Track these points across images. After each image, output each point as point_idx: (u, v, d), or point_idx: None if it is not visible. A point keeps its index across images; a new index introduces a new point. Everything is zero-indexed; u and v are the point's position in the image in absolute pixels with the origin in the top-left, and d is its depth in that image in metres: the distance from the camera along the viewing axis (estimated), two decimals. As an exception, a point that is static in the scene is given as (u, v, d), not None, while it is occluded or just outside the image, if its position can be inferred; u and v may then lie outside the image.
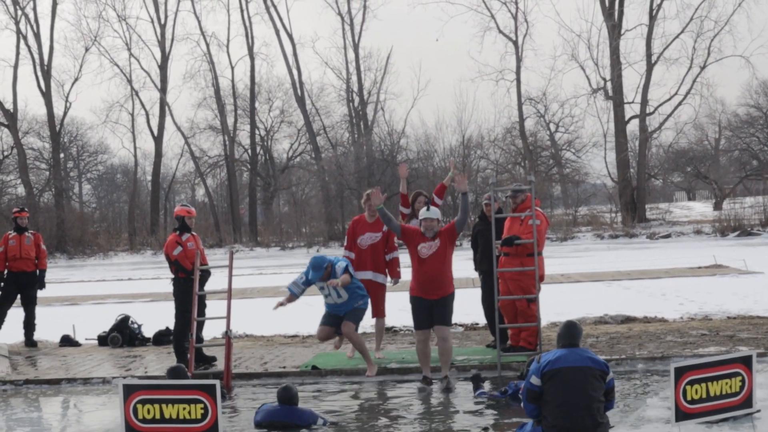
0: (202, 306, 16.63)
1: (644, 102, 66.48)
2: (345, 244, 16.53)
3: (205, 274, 16.69)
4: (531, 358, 13.44)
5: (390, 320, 19.84)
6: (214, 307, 17.21)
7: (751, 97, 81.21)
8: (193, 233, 16.98)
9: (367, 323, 17.03)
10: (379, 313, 16.30)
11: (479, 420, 11.75)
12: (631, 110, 67.59)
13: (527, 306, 15.83)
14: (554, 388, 10.06)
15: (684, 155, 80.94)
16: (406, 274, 15.04)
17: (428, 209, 13.81)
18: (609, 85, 67.07)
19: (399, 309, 19.93)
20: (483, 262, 16.76)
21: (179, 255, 16.55)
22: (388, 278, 16.30)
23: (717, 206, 72.72)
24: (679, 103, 67.98)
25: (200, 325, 16.64)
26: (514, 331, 16.17)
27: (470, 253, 17.50)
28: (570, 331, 10.48)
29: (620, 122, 66.73)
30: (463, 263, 18.08)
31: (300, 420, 11.63)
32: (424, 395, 13.42)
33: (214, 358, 16.61)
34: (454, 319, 19.54)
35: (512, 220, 16.16)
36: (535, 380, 10.22)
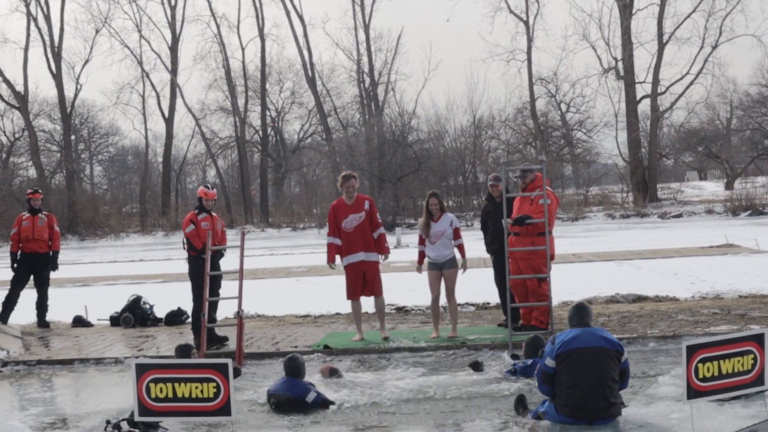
0: (216, 286, 16.67)
1: (656, 81, 66.27)
2: (328, 230, 16.48)
3: (217, 254, 16.71)
4: (529, 337, 13.47)
5: (401, 300, 19.87)
6: (226, 288, 17.24)
7: (762, 77, 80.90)
8: (213, 214, 17.04)
9: (367, 303, 17.00)
10: (375, 291, 16.26)
11: (480, 402, 11.76)
12: (642, 90, 67.47)
13: (538, 285, 15.84)
14: (568, 368, 10.07)
15: (695, 135, 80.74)
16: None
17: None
18: (620, 64, 66.89)
19: (411, 289, 19.98)
20: (494, 243, 16.76)
21: (190, 233, 16.69)
22: (381, 256, 16.30)
23: (728, 186, 72.52)
24: (691, 83, 67.84)
25: (213, 305, 16.69)
26: (526, 311, 16.18)
27: (481, 234, 17.51)
28: (580, 313, 10.49)
29: (631, 102, 66.56)
30: (473, 243, 18.08)
31: (291, 392, 11.69)
32: (433, 375, 13.43)
33: (226, 338, 16.65)
34: (466, 298, 19.58)
35: (522, 200, 16.15)
36: (549, 362, 10.22)
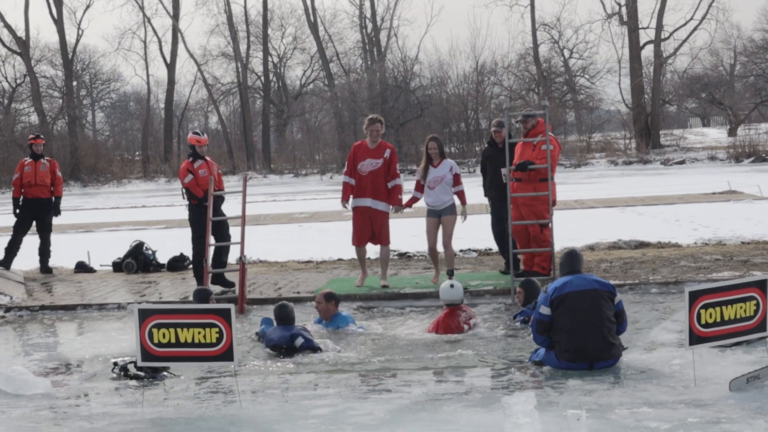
0: (224, 231, 16.67)
1: (659, 27, 65.94)
2: (345, 169, 16.25)
3: (218, 200, 16.70)
4: (522, 282, 13.49)
5: (404, 246, 19.88)
6: (228, 234, 17.27)
7: (767, 22, 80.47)
8: (207, 159, 17.00)
9: (372, 250, 17.00)
10: (382, 240, 16.09)
11: (480, 346, 11.80)
12: (645, 36, 67.08)
13: (540, 231, 15.84)
14: (564, 313, 10.13)
15: (699, 81, 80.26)
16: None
17: (452, 287, 12.79)
18: (624, 10, 66.54)
19: (413, 235, 19.99)
20: (492, 189, 16.72)
21: (190, 183, 16.68)
22: (391, 207, 16.05)
23: (731, 132, 72.20)
24: (695, 29, 67.51)
25: (225, 250, 16.72)
26: (527, 257, 16.17)
27: (481, 180, 17.48)
28: (571, 259, 10.55)
29: (635, 48, 66.21)
30: (475, 190, 18.05)
31: (280, 339, 11.77)
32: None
33: (233, 284, 16.57)
34: (468, 244, 19.59)
35: (524, 146, 16.08)
36: (544, 310, 10.27)
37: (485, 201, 17.36)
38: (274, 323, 12.23)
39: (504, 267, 16.75)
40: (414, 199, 16.18)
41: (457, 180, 15.82)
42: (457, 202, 15.91)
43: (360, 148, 16.09)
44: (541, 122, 16.07)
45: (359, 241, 16.05)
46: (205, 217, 16.00)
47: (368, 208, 15.84)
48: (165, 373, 10.64)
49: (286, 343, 11.67)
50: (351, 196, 15.99)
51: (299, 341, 11.63)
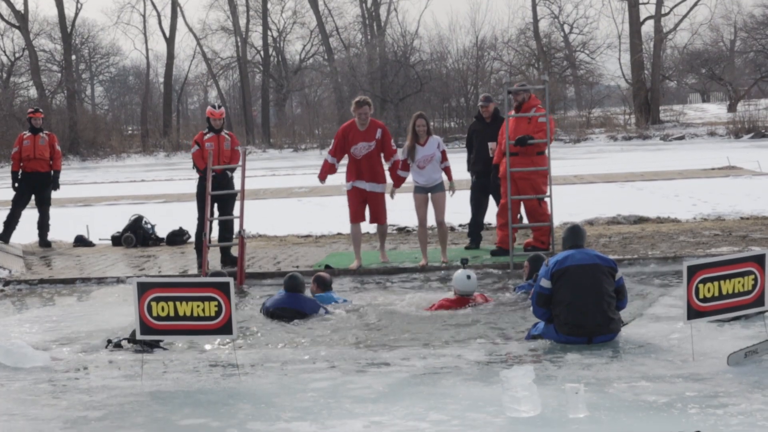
0: (227, 205, 16.66)
1: (659, 2, 65.75)
2: (330, 148, 16.04)
3: (223, 175, 16.63)
4: (530, 257, 13.47)
5: (402, 220, 19.89)
6: (227, 208, 17.28)
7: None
8: (224, 133, 16.98)
9: (369, 227, 16.96)
10: (379, 220, 15.94)
11: (481, 326, 11.82)
12: (646, 11, 66.95)
13: (539, 204, 15.87)
14: (564, 287, 10.15)
15: (699, 57, 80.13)
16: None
17: (468, 278, 12.49)
18: (624, -15, 66.37)
19: (411, 209, 19.94)
20: (477, 163, 16.76)
21: (194, 153, 16.88)
22: (387, 192, 15.80)
23: (731, 108, 72.06)
24: (695, 4, 67.36)
25: (229, 224, 16.71)
26: (503, 234, 16.05)
27: (465, 155, 17.46)
28: (574, 234, 10.57)
29: (635, 23, 66.06)
30: (460, 165, 17.98)
31: (303, 307, 11.99)
32: (430, 293, 13.48)
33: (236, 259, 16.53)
34: (459, 219, 19.57)
35: (518, 120, 16.04)
36: (545, 283, 10.29)
37: (468, 177, 17.33)
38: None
39: (469, 243, 16.90)
40: (402, 179, 15.83)
41: (444, 156, 15.53)
42: (444, 178, 15.78)
43: (350, 130, 15.74)
44: (533, 96, 16.11)
45: (355, 218, 15.88)
46: (205, 190, 16.00)
47: (365, 190, 15.73)
48: (161, 345, 10.67)
49: (304, 309, 12.02)
50: (350, 181, 15.76)
51: (321, 311, 12.07)
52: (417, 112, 16.09)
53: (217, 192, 16.27)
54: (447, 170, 15.64)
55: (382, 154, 15.84)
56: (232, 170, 16.94)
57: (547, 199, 15.78)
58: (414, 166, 15.51)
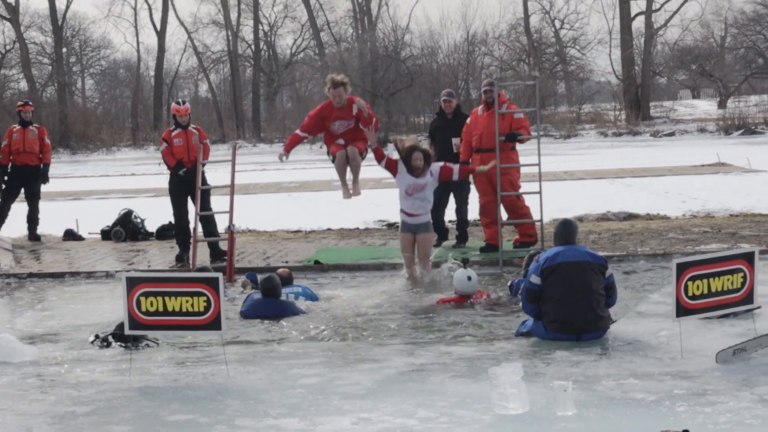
0: (204, 201, 16.60)
1: (650, -2, 65.91)
2: (303, 122, 15.30)
3: (192, 171, 16.47)
4: (529, 254, 13.44)
5: (392, 216, 19.87)
6: (217, 202, 17.25)
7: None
8: (191, 128, 16.95)
9: (358, 217, 16.88)
10: (357, 145, 14.78)
11: (471, 322, 11.82)
12: (637, 7, 67.13)
13: (518, 198, 15.92)
14: (554, 283, 10.15)
15: (689, 53, 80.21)
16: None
17: (469, 278, 12.27)
18: (615, -19, 66.44)
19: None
20: (440, 159, 16.68)
21: (163, 151, 17.07)
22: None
23: (721, 104, 72.18)
24: (686, 0, 67.37)
25: (209, 219, 16.68)
26: (491, 232, 16.07)
27: None
28: (566, 229, 10.55)
29: (626, 19, 66.15)
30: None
31: (282, 315, 11.88)
32: (424, 289, 13.48)
33: (225, 253, 16.48)
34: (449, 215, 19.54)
35: (488, 117, 15.93)
36: (535, 279, 10.29)
37: None
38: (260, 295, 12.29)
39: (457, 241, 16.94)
40: (382, 156, 14.34)
41: (443, 171, 14.38)
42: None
43: (327, 108, 14.91)
44: (502, 94, 16.18)
45: (336, 148, 14.90)
46: (176, 186, 16.08)
47: (344, 146, 14.82)
48: (148, 341, 10.65)
49: (283, 316, 11.84)
50: (331, 146, 15.04)
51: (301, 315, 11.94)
52: (412, 146, 14.36)
53: (206, 186, 16.30)
54: (463, 169, 14.91)
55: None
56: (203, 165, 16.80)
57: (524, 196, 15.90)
58: (401, 191, 14.25)
